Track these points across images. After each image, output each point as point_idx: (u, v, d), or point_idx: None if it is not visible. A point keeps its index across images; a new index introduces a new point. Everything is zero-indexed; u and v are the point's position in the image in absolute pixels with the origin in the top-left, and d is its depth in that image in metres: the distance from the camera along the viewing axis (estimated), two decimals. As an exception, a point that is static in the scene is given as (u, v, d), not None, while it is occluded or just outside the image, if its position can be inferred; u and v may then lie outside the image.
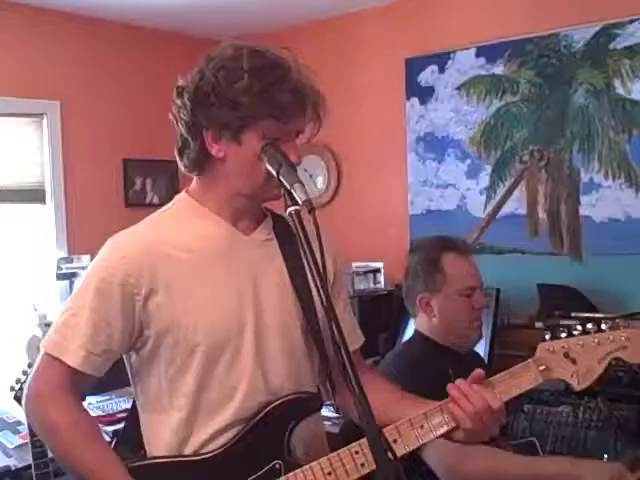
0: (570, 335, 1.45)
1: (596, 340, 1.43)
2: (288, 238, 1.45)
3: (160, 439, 1.42)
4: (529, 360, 1.44)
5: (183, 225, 1.44)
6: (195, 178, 1.48)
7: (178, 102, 1.41)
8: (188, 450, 1.40)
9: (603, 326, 1.44)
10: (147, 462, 1.41)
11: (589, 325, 1.45)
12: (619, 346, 1.42)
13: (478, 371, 1.42)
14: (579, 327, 1.45)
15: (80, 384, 1.40)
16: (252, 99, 1.32)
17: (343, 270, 1.65)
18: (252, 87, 1.32)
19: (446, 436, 1.40)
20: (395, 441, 1.35)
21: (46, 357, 1.39)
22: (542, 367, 1.42)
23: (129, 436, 1.50)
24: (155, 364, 1.41)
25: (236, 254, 1.43)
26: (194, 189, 1.49)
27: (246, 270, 1.43)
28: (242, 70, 1.34)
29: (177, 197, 1.51)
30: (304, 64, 1.40)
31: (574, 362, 1.43)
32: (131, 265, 1.37)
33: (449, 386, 1.41)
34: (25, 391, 1.41)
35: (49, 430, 1.39)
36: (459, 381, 1.41)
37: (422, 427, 1.38)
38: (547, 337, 1.45)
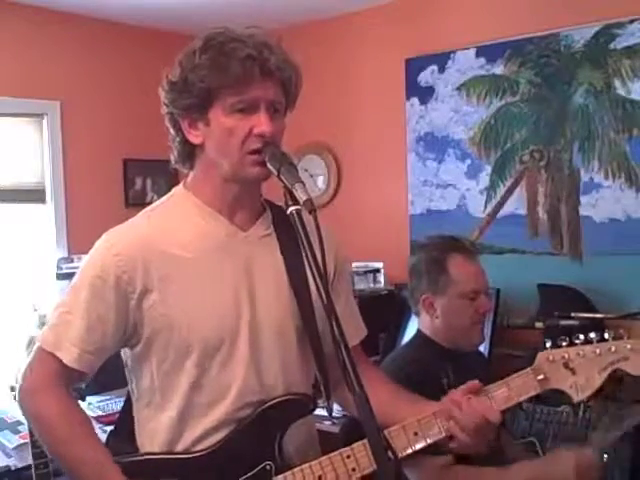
0: (572, 344, 1.40)
1: (597, 350, 1.38)
2: (288, 232, 1.40)
3: (152, 435, 1.42)
4: (528, 369, 1.40)
5: (179, 221, 1.43)
6: (191, 172, 1.48)
7: (161, 98, 1.43)
8: (180, 447, 1.40)
9: (606, 335, 1.39)
10: (139, 458, 1.41)
11: (592, 334, 1.39)
12: (621, 357, 1.37)
13: (473, 383, 1.40)
14: (581, 336, 1.40)
15: (72, 379, 1.41)
16: (202, 73, 1.34)
17: (345, 263, 1.62)
18: (201, 63, 1.34)
19: (439, 444, 1.39)
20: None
21: (41, 352, 1.40)
22: (540, 377, 1.39)
23: (123, 427, 1.49)
24: (148, 362, 1.41)
25: (233, 252, 1.42)
26: (190, 182, 1.48)
27: (242, 269, 1.41)
28: (194, 51, 1.36)
29: (174, 189, 1.50)
30: (276, 42, 1.38)
31: (573, 372, 1.39)
32: (125, 263, 1.36)
33: (446, 399, 1.39)
34: (19, 383, 1.42)
35: (41, 423, 1.40)
36: (455, 394, 1.39)
37: (416, 434, 1.37)
38: (548, 345, 1.41)
